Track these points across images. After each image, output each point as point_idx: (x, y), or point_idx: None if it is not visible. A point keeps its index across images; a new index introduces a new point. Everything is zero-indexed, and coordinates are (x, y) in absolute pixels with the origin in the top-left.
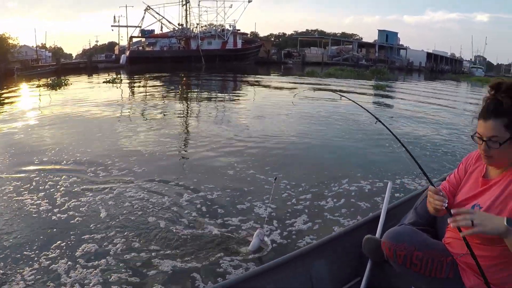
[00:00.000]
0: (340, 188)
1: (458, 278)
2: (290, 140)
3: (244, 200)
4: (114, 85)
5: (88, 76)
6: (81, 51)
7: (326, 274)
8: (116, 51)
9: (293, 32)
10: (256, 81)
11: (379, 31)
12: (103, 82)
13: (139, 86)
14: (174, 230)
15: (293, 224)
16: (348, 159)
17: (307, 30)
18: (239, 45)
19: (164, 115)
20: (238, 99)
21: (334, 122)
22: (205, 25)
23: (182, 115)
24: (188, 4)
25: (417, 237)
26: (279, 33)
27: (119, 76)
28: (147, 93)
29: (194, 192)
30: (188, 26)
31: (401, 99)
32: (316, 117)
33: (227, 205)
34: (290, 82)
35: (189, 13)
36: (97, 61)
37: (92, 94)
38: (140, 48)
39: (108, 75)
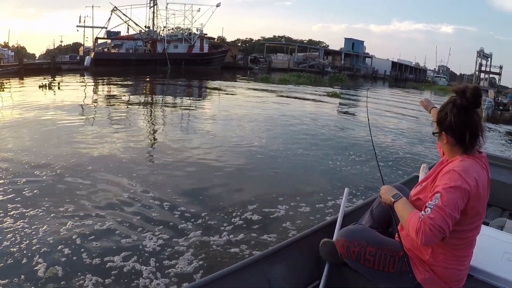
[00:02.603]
0: (298, 196)
1: (411, 271)
2: (250, 147)
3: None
4: (51, 90)
5: (51, 76)
6: (44, 51)
7: (284, 278)
8: (81, 52)
9: (260, 38)
10: (219, 87)
11: (346, 39)
12: (39, 86)
13: (99, 89)
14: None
15: (250, 230)
16: (307, 167)
17: (274, 36)
18: (206, 50)
19: (125, 120)
20: (202, 105)
21: (294, 129)
22: (172, 29)
23: (143, 122)
24: (155, 7)
25: (369, 234)
26: (246, 38)
27: (56, 79)
28: (109, 97)
29: (152, 200)
30: (155, 29)
31: (357, 106)
32: (278, 124)
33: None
34: (241, 87)
35: (157, 16)
36: (61, 62)
37: (33, 97)
38: (106, 49)
39: (69, 75)
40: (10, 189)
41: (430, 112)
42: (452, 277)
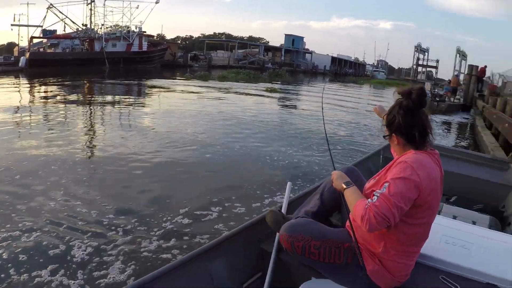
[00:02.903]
0: (234, 195)
1: (357, 262)
2: (186, 147)
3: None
4: None
5: None
6: None
7: (226, 272)
8: (16, 53)
9: (200, 35)
10: (158, 85)
11: (286, 35)
12: None
13: (34, 91)
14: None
15: (182, 234)
16: (246, 164)
17: (214, 33)
18: (145, 48)
19: (57, 123)
20: (142, 105)
21: (232, 126)
22: (111, 26)
23: (76, 125)
24: (93, 3)
25: (313, 227)
26: (186, 35)
27: None
28: (44, 99)
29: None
30: (92, 27)
31: (297, 100)
32: (215, 122)
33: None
34: (180, 86)
35: (94, 13)
36: None
37: None
38: (42, 49)
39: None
40: None
41: (383, 118)
42: (401, 271)
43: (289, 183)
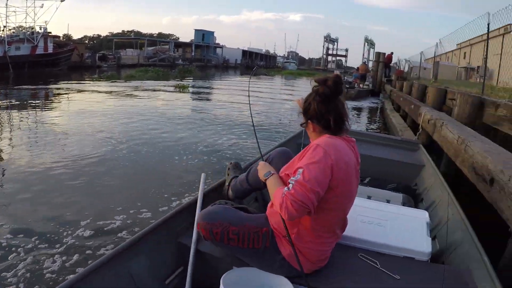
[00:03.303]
0: (139, 201)
1: (275, 246)
2: (85, 156)
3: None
4: None
5: None
6: None
7: (147, 270)
8: None
9: (108, 34)
10: (63, 88)
11: (196, 30)
12: None
13: None
14: None
15: (84, 247)
16: (152, 165)
17: (123, 31)
18: (50, 50)
19: None
20: (49, 112)
21: (138, 126)
22: (14, 28)
23: None
24: None
25: (230, 213)
26: (94, 35)
27: None
28: None
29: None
30: None
31: (210, 94)
32: (125, 120)
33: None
34: (84, 89)
35: None
36: None
37: None
38: None
39: None
40: None
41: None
42: (318, 257)
43: (203, 175)
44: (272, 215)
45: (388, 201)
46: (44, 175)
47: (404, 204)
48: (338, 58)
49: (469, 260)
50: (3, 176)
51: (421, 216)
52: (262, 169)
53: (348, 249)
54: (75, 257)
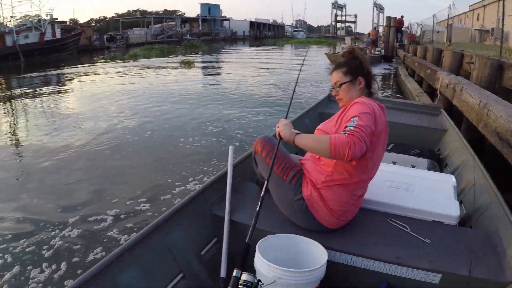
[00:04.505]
0: (183, 164)
1: (298, 185)
2: (129, 127)
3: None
4: None
5: None
6: None
7: (183, 241)
8: None
9: (114, 15)
10: (72, 72)
11: (201, 4)
12: None
13: None
14: None
15: (143, 203)
16: (183, 136)
17: (128, 11)
18: (58, 35)
19: None
20: (66, 97)
21: (165, 98)
22: (20, 18)
23: (3, 128)
24: None
25: (282, 146)
26: (99, 17)
27: None
28: None
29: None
30: (1, 21)
31: (220, 68)
32: (152, 95)
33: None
34: (89, 69)
35: (1, 6)
36: None
37: None
38: None
39: None
40: None
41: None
42: (338, 205)
43: (231, 147)
44: (307, 161)
45: (413, 167)
46: (77, 155)
47: (429, 169)
48: (347, 24)
49: (497, 223)
50: (38, 157)
51: (448, 180)
52: (288, 125)
53: (378, 214)
54: (125, 224)
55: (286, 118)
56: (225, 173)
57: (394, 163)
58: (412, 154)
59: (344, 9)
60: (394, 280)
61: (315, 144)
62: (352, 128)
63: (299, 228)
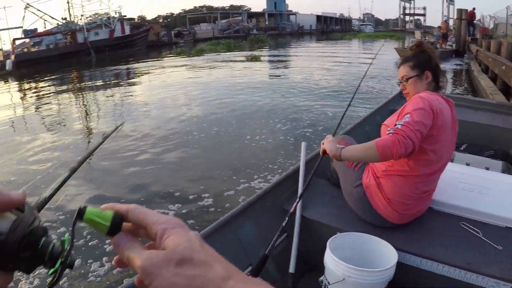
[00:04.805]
0: (258, 158)
1: (360, 172)
2: (201, 116)
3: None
4: None
5: None
6: None
7: (254, 235)
8: (1, 57)
9: (181, 11)
10: (141, 67)
11: None
12: None
13: (26, 92)
14: None
15: (220, 195)
16: (256, 130)
17: (194, 7)
18: (127, 32)
19: (56, 121)
20: (136, 89)
21: (241, 93)
22: (90, 16)
23: (75, 118)
24: None
25: (352, 139)
26: (166, 13)
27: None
28: (39, 98)
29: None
30: (72, 19)
31: (281, 65)
32: (224, 87)
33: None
34: (157, 66)
35: (72, 5)
36: None
37: None
38: (25, 50)
39: None
40: None
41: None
42: (396, 197)
43: (303, 144)
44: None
45: (487, 169)
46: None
47: (503, 171)
48: (416, 17)
49: None
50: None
51: None
52: (333, 141)
53: (450, 216)
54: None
55: (333, 135)
56: (297, 169)
57: (467, 164)
58: (486, 156)
59: (412, 1)
60: (462, 286)
61: (362, 153)
62: (399, 126)
63: (367, 226)
